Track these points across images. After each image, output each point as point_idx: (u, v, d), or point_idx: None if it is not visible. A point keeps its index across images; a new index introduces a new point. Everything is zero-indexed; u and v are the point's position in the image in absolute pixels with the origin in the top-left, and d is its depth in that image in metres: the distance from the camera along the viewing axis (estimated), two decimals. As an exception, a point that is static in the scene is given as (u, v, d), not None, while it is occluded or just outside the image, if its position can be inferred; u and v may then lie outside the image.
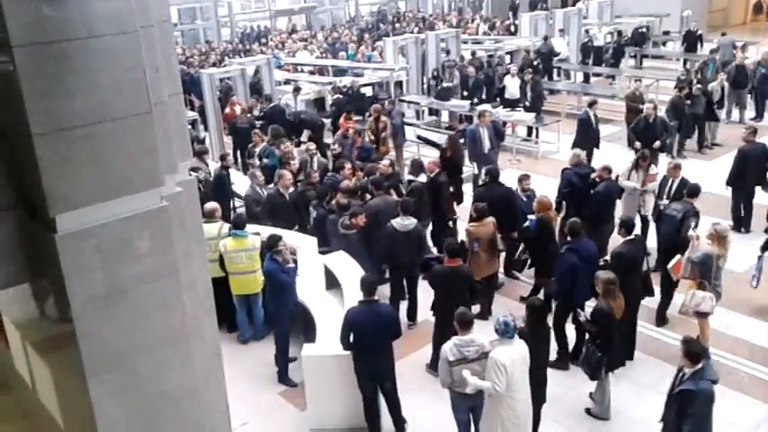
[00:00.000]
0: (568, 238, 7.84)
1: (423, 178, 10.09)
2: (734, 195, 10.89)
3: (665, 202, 9.32)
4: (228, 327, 8.64)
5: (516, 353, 5.78)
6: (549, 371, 6.62)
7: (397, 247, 8.37)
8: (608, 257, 7.86)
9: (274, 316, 7.83)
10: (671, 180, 9.56)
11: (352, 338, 6.45)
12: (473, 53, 19.62)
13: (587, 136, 12.91)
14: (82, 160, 3.00)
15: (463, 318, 6.03)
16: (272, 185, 10.11)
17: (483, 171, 10.13)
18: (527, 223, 8.67)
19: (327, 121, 15.16)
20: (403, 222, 8.36)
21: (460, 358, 5.90)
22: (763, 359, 7.73)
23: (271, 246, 7.56)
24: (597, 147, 12.96)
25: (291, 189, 9.93)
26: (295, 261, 7.72)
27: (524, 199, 9.40)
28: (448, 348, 5.95)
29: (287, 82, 18.57)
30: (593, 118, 13.03)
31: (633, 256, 7.55)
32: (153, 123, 3.20)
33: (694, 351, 5.57)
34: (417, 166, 10.36)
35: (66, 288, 3.01)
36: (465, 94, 17.11)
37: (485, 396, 5.96)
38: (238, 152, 14.12)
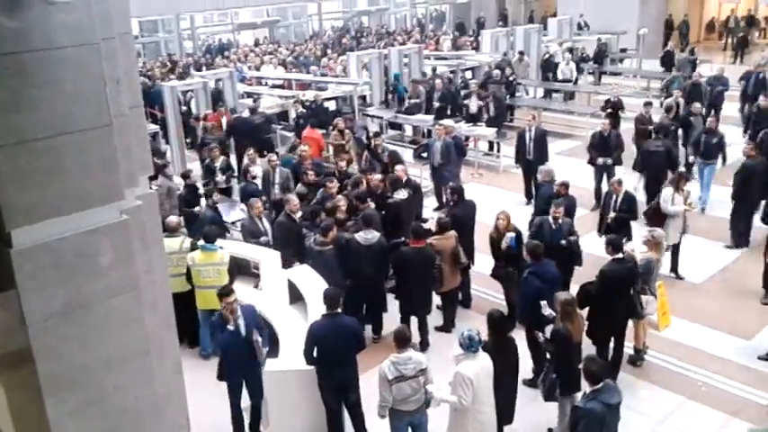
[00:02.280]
0: (530, 261, 7.65)
1: (402, 194, 9.97)
2: (736, 210, 10.81)
3: (612, 215, 9.59)
4: (190, 342, 8.52)
5: (480, 366, 5.84)
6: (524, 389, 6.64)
7: (361, 262, 8.34)
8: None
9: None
10: (615, 195, 9.70)
11: (315, 352, 6.42)
12: (434, 69, 19.82)
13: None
14: (41, 173, 2.95)
15: (401, 335, 6.05)
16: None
17: (447, 189, 10.05)
18: (508, 241, 8.47)
19: (291, 134, 15.21)
20: (366, 236, 8.35)
21: (399, 376, 5.91)
22: (721, 369, 7.90)
23: (220, 295, 6.79)
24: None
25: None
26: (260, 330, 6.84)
27: (553, 227, 8.69)
28: (386, 367, 5.94)
29: (249, 95, 18.52)
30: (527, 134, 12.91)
31: (619, 275, 7.33)
32: (113, 136, 3.17)
33: (592, 371, 5.54)
34: (395, 182, 10.17)
35: (23, 304, 2.95)
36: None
37: (450, 410, 5.99)
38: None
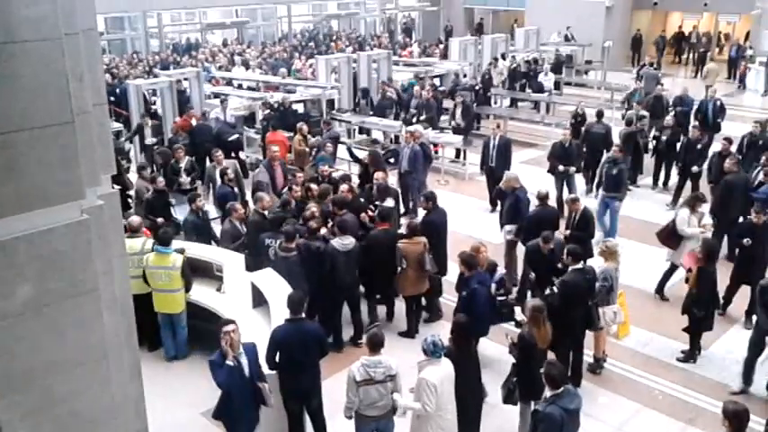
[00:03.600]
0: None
1: (390, 203, 9.93)
2: (717, 225, 10.56)
3: (567, 232, 9.48)
4: (149, 345, 8.39)
5: (444, 372, 5.87)
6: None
7: (338, 268, 8.26)
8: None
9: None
10: (573, 213, 9.61)
11: (278, 357, 6.36)
12: (416, 75, 19.95)
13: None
14: (-2, 170, 2.87)
15: (374, 339, 6.05)
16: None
17: (421, 197, 9.97)
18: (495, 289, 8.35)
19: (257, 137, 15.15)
20: (343, 242, 8.29)
21: (367, 378, 5.91)
22: (679, 378, 8.05)
23: (219, 325, 6.16)
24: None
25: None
26: (253, 354, 6.17)
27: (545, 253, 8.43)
28: (355, 368, 5.94)
29: (216, 96, 18.34)
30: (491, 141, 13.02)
31: (578, 284, 7.44)
32: (75, 133, 3.10)
33: (552, 375, 5.56)
34: (384, 191, 10.11)
35: (-24, 303, 2.86)
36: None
37: (412, 416, 6.01)
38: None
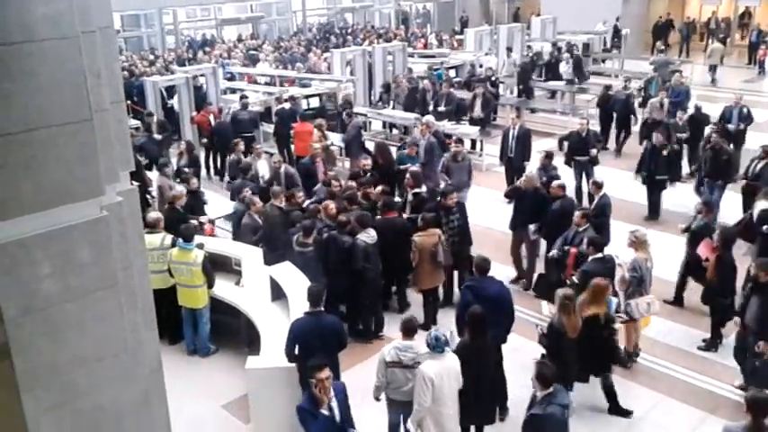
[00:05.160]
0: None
1: (423, 189, 10.08)
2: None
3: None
4: (170, 339, 8.48)
5: (445, 367, 5.84)
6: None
7: (369, 261, 8.30)
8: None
9: None
10: (595, 198, 9.65)
11: (297, 350, 6.39)
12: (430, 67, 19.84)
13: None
14: (17, 168, 2.91)
15: (408, 325, 6.22)
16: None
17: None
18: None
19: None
20: (369, 235, 8.33)
21: (396, 361, 6.04)
22: (698, 366, 7.99)
23: (311, 369, 5.53)
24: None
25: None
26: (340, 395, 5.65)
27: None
28: (386, 350, 6.13)
29: (233, 92, 18.42)
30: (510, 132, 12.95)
31: (599, 274, 7.35)
32: (93, 131, 3.13)
33: (544, 374, 5.52)
34: (416, 177, 10.14)
35: (0, 299, 2.91)
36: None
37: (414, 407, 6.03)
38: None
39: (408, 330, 6.18)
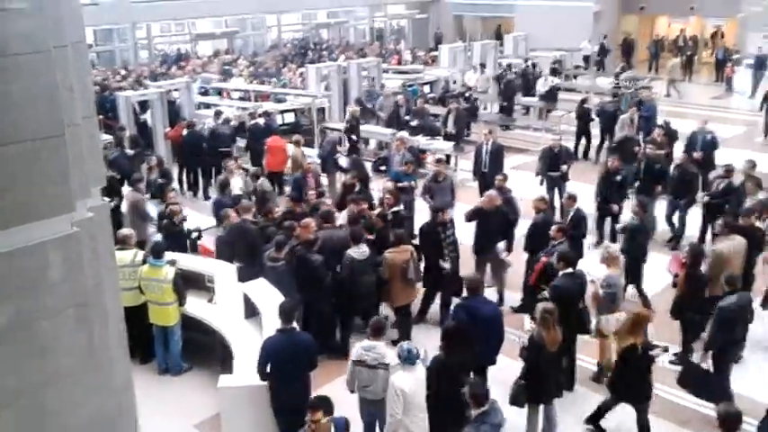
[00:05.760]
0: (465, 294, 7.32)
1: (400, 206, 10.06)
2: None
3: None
4: (142, 358, 8.35)
5: (416, 379, 6.01)
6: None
7: (356, 276, 8.27)
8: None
9: None
10: (569, 211, 9.86)
11: (269, 368, 6.36)
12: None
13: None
14: (-13, 184, 2.86)
15: (375, 324, 6.44)
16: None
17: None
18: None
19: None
20: (359, 250, 8.29)
21: (360, 360, 6.25)
22: (672, 381, 7.99)
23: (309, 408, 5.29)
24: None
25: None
26: None
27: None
28: (355, 348, 6.38)
29: (207, 106, 18.35)
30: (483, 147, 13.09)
31: (568, 289, 7.44)
32: (65, 146, 3.09)
33: (477, 393, 5.59)
34: (395, 194, 10.16)
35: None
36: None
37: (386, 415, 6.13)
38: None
39: (375, 330, 6.37)
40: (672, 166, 12.25)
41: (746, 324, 7.49)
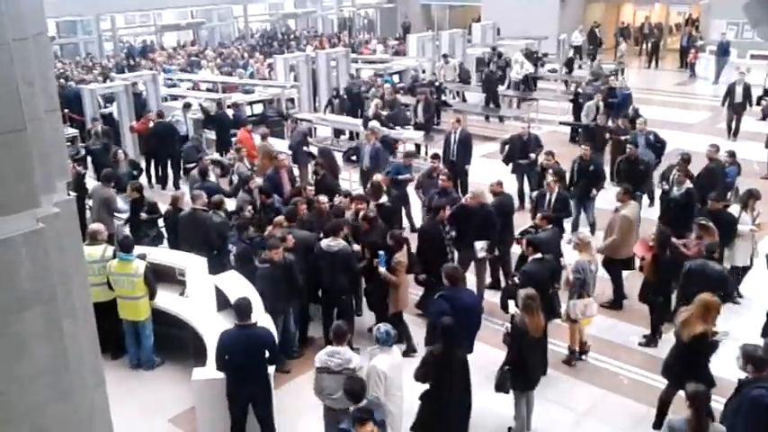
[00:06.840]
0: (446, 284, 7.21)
1: (384, 199, 9.85)
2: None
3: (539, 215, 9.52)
4: (113, 354, 8.26)
5: (394, 360, 6.09)
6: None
7: (326, 269, 8.10)
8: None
9: None
10: (549, 194, 9.97)
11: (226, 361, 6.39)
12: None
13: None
14: (-53, 181, 2.80)
15: (335, 330, 6.26)
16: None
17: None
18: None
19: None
20: (330, 243, 8.10)
21: (324, 367, 6.09)
22: (642, 362, 8.20)
23: (360, 421, 5.13)
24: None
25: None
26: None
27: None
28: (318, 355, 6.21)
29: (174, 98, 18.12)
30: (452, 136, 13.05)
31: (539, 274, 7.49)
32: (27, 141, 3.03)
33: (353, 389, 5.45)
34: (378, 188, 9.89)
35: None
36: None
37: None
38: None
39: (335, 336, 6.20)
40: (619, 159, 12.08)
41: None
